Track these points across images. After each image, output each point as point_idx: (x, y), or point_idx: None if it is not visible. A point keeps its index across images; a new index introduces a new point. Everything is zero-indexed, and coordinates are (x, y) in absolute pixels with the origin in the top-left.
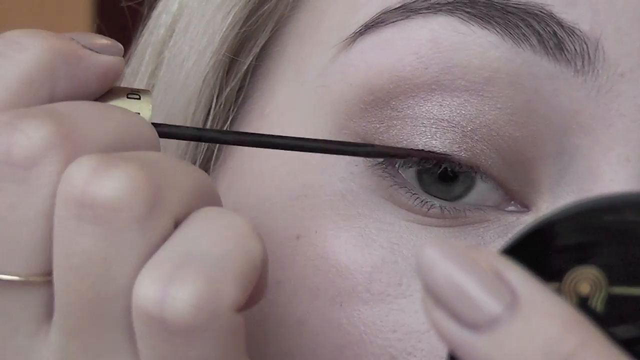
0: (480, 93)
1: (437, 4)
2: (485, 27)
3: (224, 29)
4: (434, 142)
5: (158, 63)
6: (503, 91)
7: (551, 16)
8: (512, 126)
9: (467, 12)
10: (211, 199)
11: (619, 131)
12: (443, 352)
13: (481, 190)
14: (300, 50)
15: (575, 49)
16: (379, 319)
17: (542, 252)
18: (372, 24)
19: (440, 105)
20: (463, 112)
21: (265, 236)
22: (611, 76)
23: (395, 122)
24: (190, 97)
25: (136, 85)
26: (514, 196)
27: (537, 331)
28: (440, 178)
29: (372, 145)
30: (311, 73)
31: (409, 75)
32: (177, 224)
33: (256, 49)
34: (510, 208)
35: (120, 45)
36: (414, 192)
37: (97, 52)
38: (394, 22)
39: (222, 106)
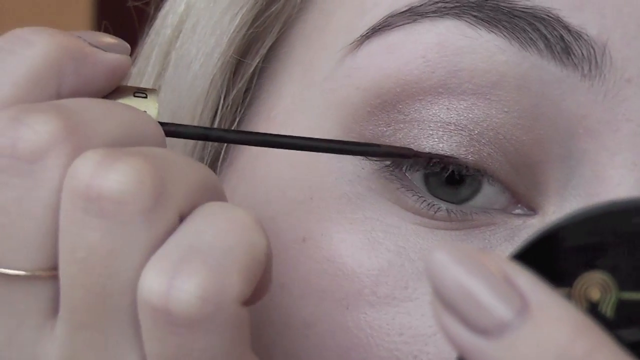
0: (487, 97)
1: (444, 7)
2: (492, 31)
3: (232, 31)
4: (440, 145)
5: (165, 64)
6: (510, 95)
7: (558, 20)
8: (519, 130)
9: (474, 16)
10: (216, 194)
11: (625, 136)
12: (449, 356)
13: (488, 193)
14: (308, 52)
15: (582, 54)
16: (386, 322)
17: (552, 257)
18: (379, 27)
19: (447, 109)
20: (470, 115)
21: (272, 239)
22: (618, 81)
23: (402, 126)
24: (197, 99)
25: (143, 85)
26: (521, 199)
27: (547, 337)
28: (447, 181)
29: (378, 145)
30: (318, 75)
31: (415, 78)
32: (182, 218)
33: (263, 51)
34: (517, 211)
35: (127, 45)
36: (420, 195)
37: (103, 50)
38: (401, 25)
39: (229, 107)
